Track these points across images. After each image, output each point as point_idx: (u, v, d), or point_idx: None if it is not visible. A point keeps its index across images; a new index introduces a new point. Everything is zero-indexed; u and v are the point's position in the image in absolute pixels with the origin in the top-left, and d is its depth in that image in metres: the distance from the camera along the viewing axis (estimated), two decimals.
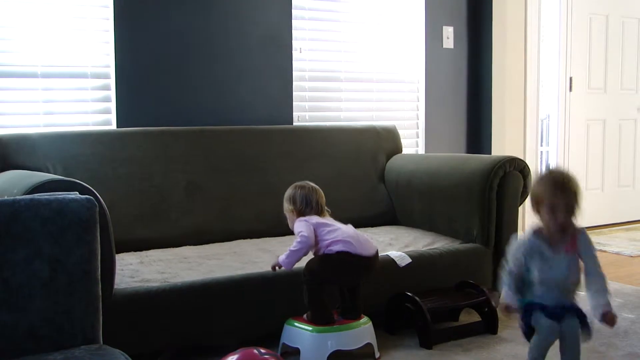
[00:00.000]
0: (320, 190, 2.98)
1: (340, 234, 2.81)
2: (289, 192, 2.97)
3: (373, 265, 2.84)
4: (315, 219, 2.87)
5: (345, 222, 3.85)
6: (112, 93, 3.71)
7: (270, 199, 3.71)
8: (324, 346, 2.71)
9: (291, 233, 3.70)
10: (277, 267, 2.83)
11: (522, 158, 3.73)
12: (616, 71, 5.92)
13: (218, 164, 3.64)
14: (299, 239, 2.78)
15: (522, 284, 2.44)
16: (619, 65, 5.93)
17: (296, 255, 2.78)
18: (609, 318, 2.34)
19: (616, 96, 5.94)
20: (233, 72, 4.03)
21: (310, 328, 2.72)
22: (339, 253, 2.76)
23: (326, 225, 2.85)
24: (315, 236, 2.81)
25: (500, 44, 4.97)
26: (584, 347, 2.94)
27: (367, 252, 2.81)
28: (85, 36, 3.65)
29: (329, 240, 2.79)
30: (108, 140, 3.45)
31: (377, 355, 2.84)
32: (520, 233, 4.42)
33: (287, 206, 2.95)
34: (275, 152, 3.86)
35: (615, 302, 3.58)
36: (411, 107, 4.80)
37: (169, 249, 3.26)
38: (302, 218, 2.88)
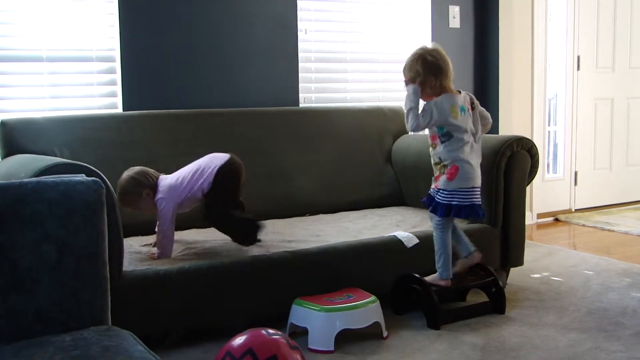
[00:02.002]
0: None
1: (198, 169, 3.03)
2: (125, 184, 2.99)
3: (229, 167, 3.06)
4: (167, 183, 3.02)
5: (352, 204, 3.90)
6: (118, 76, 3.70)
7: (277, 181, 3.72)
8: (332, 325, 2.72)
9: (299, 214, 3.72)
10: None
11: (529, 138, 3.72)
12: (624, 49, 5.87)
13: (224, 147, 3.62)
14: (162, 221, 2.95)
15: None
16: (627, 43, 5.88)
17: (170, 238, 2.95)
18: None
19: (624, 75, 5.90)
20: (239, 54, 4.02)
21: (318, 308, 2.73)
22: (214, 180, 3.00)
23: (180, 179, 3.03)
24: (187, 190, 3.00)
25: (507, 22, 4.93)
26: (592, 326, 2.96)
27: (222, 161, 3.05)
28: (90, 19, 3.63)
29: (199, 183, 2.99)
30: (114, 123, 3.45)
31: (384, 334, 2.85)
32: (528, 213, 4.42)
33: (136, 197, 3.00)
34: (282, 133, 3.86)
35: (624, 282, 3.60)
36: None
37: (176, 231, 3.26)
38: (160, 195, 2.99)
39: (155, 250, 2.95)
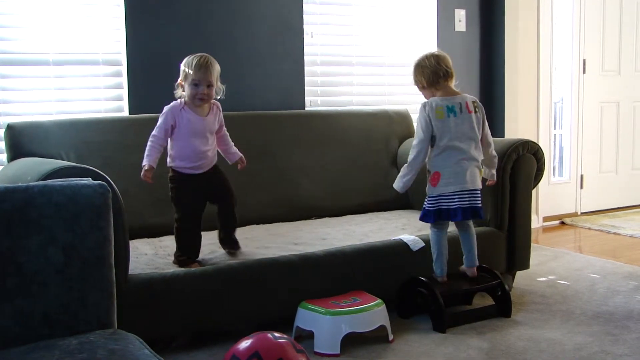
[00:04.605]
0: None
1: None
2: None
3: None
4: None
5: (358, 207, 3.91)
6: (124, 80, 3.71)
7: (283, 184, 3.72)
8: (338, 329, 2.72)
9: (305, 217, 3.72)
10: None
11: (535, 141, 3.71)
12: (630, 53, 5.86)
13: None
14: None
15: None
16: (633, 46, 5.87)
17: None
18: None
19: (630, 78, 5.88)
20: (245, 57, 4.02)
21: (323, 311, 2.73)
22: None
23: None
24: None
25: (512, 26, 4.93)
26: (598, 329, 2.95)
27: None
28: (96, 23, 3.65)
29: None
30: (120, 127, 3.46)
31: (390, 338, 2.85)
32: (533, 216, 4.41)
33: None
34: (288, 137, 3.86)
35: (630, 285, 3.59)
36: None
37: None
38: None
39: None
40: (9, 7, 3.44)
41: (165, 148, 2.93)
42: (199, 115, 2.92)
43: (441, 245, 3.07)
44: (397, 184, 3.09)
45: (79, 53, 3.62)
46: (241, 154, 3.14)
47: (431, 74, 3.07)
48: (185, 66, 2.90)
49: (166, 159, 2.95)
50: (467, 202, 3.00)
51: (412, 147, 3.05)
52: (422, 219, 3.08)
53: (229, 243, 2.99)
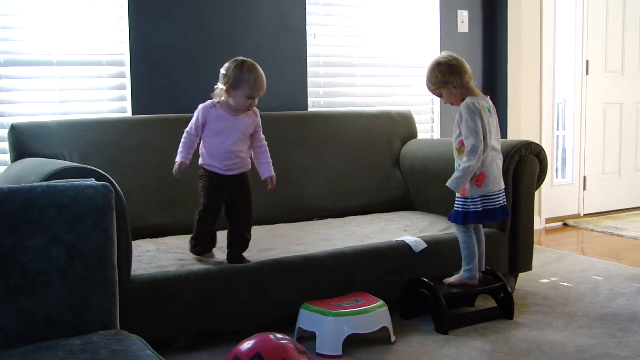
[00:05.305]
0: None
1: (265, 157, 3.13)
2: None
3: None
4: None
5: (360, 208, 3.90)
6: (127, 80, 3.72)
7: (285, 185, 3.71)
8: (340, 330, 2.72)
9: (307, 218, 3.72)
10: None
11: (538, 142, 3.71)
12: (633, 53, 5.85)
13: None
14: None
15: None
16: (637, 47, 5.85)
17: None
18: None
19: (633, 79, 5.87)
20: (248, 57, 4.01)
21: (325, 312, 2.73)
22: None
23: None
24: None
25: (515, 27, 4.93)
26: (601, 332, 2.95)
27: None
28: (99, 24, 3.65)
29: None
30: (124, 127, 3.46)
31: (392, 339, 2.84)
32: (536, 218, 4.40)
33: None
34: (290, 138, 3.86)
35: (633, 287, 3.59)
36: (426, 91, 4.69)
37: (184, 235, 3.27)
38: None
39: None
40: (12, 8, 3.45)
41: (198, 145, 2.96)
42: (230, 114, 2.92)
43: (474, 245, 3.07)
44: (452, 184, 2.98)
45: (82, 54, 3.62)
46: (273, 173, 3.05)
47: (463, 73, 3.05)
48: (234, 74, 2.88)
49: (198, 159, 2.98)
50: (502, 201, 3.08)
51: (471, 146, 2.93)
52: (467, 221, 3.03)
53: (235, 261, 2.92)
